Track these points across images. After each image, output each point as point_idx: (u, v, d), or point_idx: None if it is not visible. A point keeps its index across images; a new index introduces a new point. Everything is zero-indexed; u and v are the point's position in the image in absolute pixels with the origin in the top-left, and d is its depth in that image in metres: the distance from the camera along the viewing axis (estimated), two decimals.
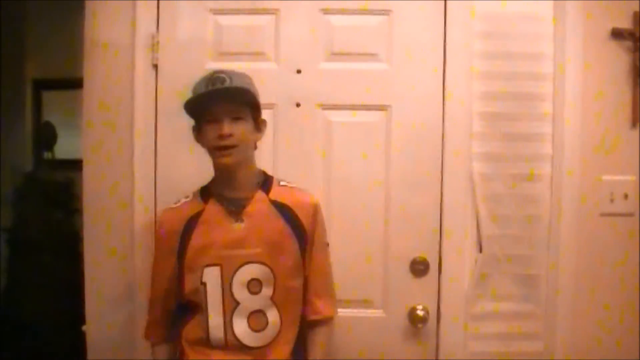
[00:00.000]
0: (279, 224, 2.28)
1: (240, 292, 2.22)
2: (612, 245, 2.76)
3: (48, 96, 5.06)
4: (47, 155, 5.09)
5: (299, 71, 2.66)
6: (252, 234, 2.25)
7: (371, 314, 2.72)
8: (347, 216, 2.68)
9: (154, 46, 2.70)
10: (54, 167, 4.92)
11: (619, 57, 2.74)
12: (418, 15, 2.70)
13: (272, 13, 2.71)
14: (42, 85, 5.03)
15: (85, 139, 2.75)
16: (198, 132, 2.28)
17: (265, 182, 2.34)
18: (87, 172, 2.74)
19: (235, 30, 2.72)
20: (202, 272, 2.22)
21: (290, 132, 2.65)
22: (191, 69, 2.68)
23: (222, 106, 2.18)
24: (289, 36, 2.70)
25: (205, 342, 2.24)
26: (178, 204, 2.35)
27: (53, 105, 5.05)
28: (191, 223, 2.27)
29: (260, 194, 2.30)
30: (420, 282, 2.71)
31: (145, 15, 2.70)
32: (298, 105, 2.60)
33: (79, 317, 2.79)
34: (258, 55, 2.71)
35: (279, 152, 2.68)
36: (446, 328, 2.73)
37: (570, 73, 2.71)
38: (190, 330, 2.28)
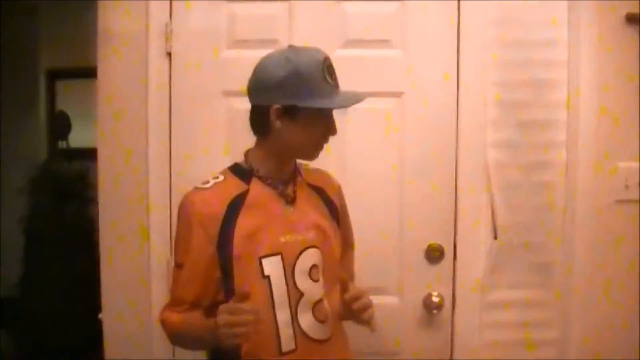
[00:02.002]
0: (321, 206, 2.17)
1: (303, 281, 2.03)
2: (627, 232, 2.75)
3: (62, 86, 5.07)
4: (61, 144, 5.11)
5: None
6: (303, 217, 2.08)
7: (386, 301, 2.71)
8: (361, 203, 2.63)
9: (167, 35, 2.70)
10: (68, 156, 4.94)
11: (633, 42, 2.73)
12: (432, 2, 2.69)
13: (286, 0, 2.71)
14: (56, 74, 5.05)
15: (99, 128, 2.76)
16: (291, 116, 1.96)
17: (296, 165, 2.17)
18: (102, 161, 2.75)
19: (249, 18, 2.72)
20: (260, 264, 1.97)
21: None
22: (205, 57, 2.71)
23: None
24: (302, 24, 2.70)
25: (273, 347, 1.99)
26: (209, 185, 2.03)
27: (67, 94, 5.07)
28: (234, 206, 1.99)
29: (299, 178, 2.15)
30: (435, 268, 2.71)
31: (158, 4, 2.71)
32: None
33: (96, 306, 2.80)
34: (272, 43, 2.69)
35: None
36: (461, 315, 2.73)
37: (585, 59, 2.70)
38: (254, 336, 1.86)
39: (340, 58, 2.39)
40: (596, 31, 2.70)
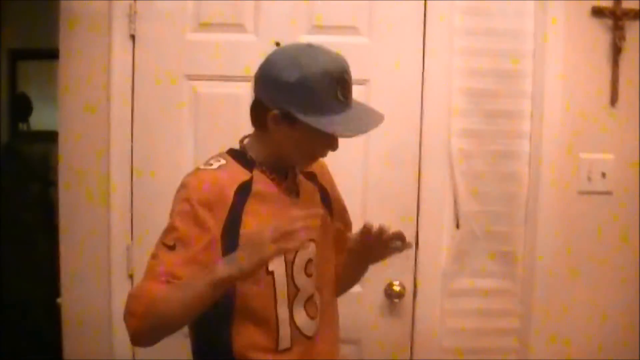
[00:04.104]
0: (317, 195, 2.07)
1: (299, 277, 1.92)
2: (589, 224, 2.78)
3: (24, 66, 5.01)
4: (22, 126, 5.05)
5: (277, 44, 2.63)
6: (306, 209, 1.86)
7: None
8: None
9: (131, 16, 2.66)
10: (29, 139, 4.89)
11: (599, 35, 2.74)
12: None
13: None
14: (18, 55, 4.98)
15: (61, 111, 2.71)
16: (290, 122, 1.80)
17: None
18: (63, 143, 2.71)
19: (215, 1, 2.69)
20: None
21: None
22: (169, 40, 2.67)
23: None
24: (269, 8, 2.68)
25: (270, 346, 1.88)
26: (214, 167, 1.88)
27: (29, 75, 5.00)
28: (242, 194, 1.83)
29: (296, 169, 2.01)
30: (397, 257, 2.69)
31: None
32: None
33: (56, 290, 2.77)
34: (237, 27, 2.68)
35: None
36: (422, 303, 2.74)
37: (551, 51, 2.71)
38: (248, 334, 1.86)
39: None
40: (562, 23, 2.70)
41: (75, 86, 2.69)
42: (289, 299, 1.90)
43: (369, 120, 1.89)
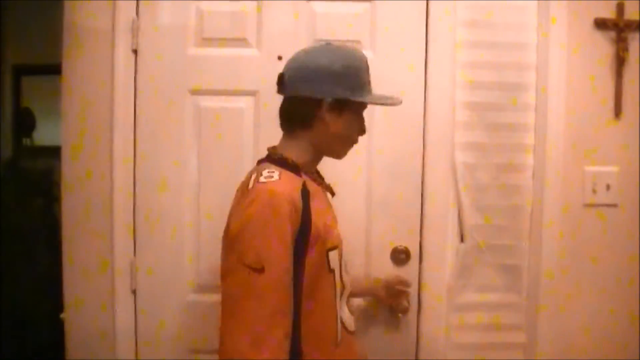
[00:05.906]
0: None
1: (344, 274, 2.02)
2: (594, 236, 2.76)
3: (28, 82, 5.02)
4: (26, 141, 5.05)
5: (279, 57, 2.63)
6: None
7: (351, 302, 2.68)
8: None
9: (134, 31, 2.66)
10: (33, 154, 4.89)
11: (602, 47, 2.74)
12: (401, 2, 2.68)
13: None
14: (22, 71, 4.99)
15: (64, 125, 2.71)
16: (339, 110, 1.94)
17: None
18: (66, 158, 2.71)
19: (217, 16, 2.69)
20: (327, 256, 1.89)
21: (272, 120, 2.62)
22: (172, 55, 2.67)
23: None
24: (271, 23, 2.68)
25: (330, 338, 1.93)
26: (277, 177, 1.86)
27: (33, 91, 5.01)
28: (304, 196, 1.85)
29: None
30: (401, 271, 2.70)
31: (125, 0, 2.66)
32: None
33: (59, 305, 2.76)
34: (240, 41, 2.68)
35: (260, 139, 2.65)
36: (427, 318, 2.72)
37: (554, 63, 2.71)
38: (314, 325, 1.89)
39: None
40: (565, 35, 2.70)
41: (78, 101, 2.69)
42: (338, 295, 1.97)
43: (393, 98, 2.03)
